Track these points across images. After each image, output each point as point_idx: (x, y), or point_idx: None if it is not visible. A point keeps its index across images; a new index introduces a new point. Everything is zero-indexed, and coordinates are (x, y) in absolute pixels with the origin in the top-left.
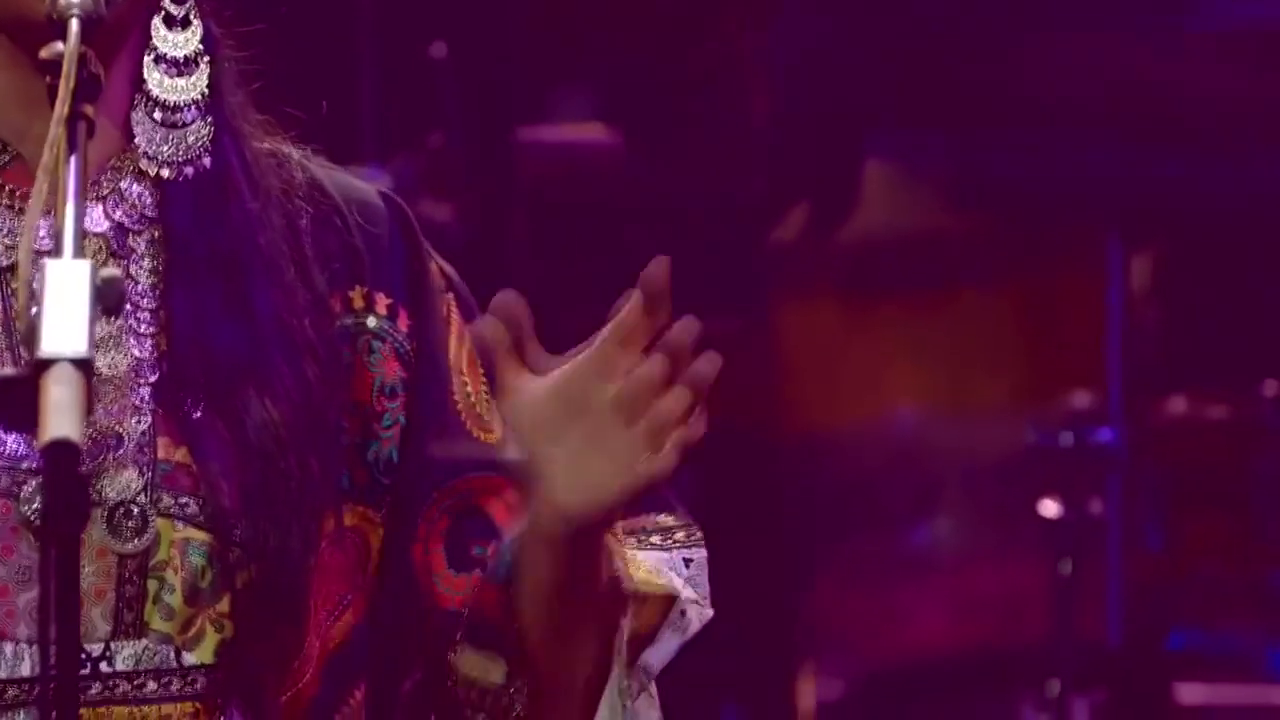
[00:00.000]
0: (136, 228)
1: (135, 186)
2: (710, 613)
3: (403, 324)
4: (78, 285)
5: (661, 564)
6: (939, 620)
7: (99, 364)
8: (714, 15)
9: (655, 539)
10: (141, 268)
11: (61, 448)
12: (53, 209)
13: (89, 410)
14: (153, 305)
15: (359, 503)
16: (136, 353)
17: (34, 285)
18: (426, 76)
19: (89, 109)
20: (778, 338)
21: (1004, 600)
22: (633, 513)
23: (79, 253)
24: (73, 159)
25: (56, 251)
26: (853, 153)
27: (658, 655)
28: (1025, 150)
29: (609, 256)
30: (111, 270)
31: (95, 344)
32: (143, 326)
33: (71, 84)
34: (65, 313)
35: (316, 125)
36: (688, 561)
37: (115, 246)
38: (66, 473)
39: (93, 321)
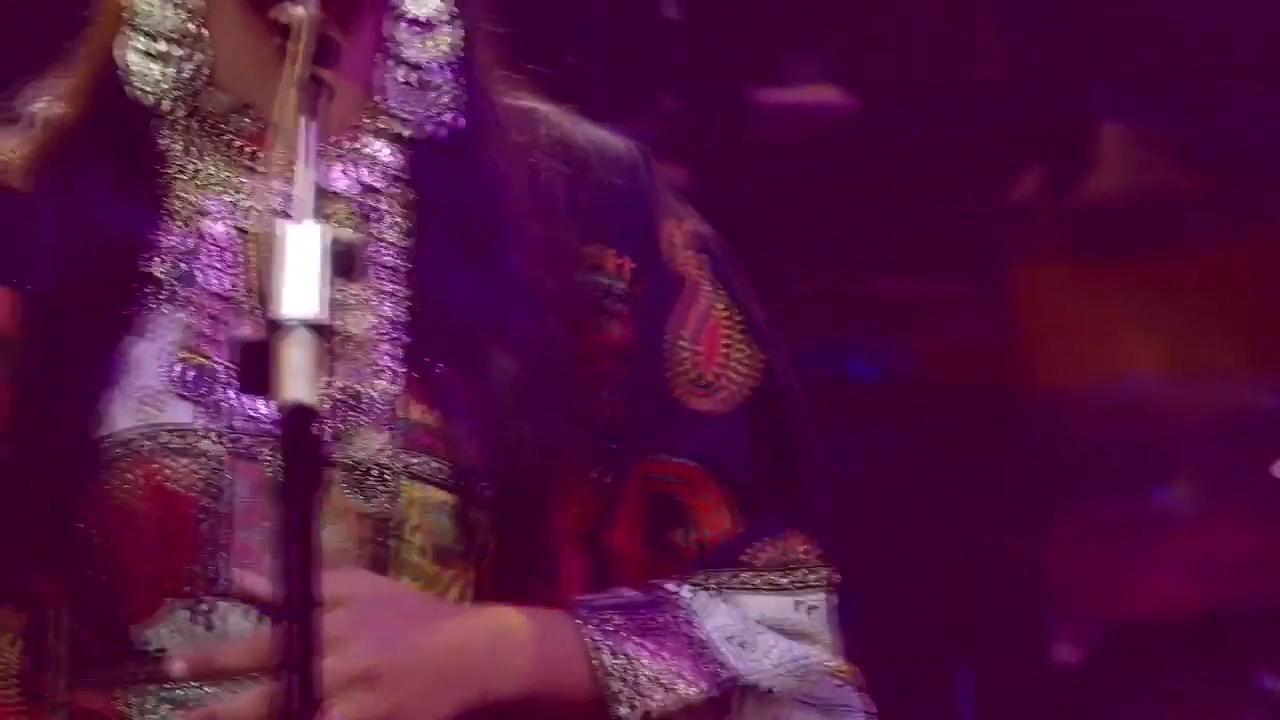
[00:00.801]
0: (384, 188)
1: (383, 147)
2: (833, 664)
3: (638, 283)
4: (313, 249)
5: (772, 610)
6: (1176, 584)
7: (347, 325)
8: None
9: (774, 577)
10: (390, 228)
11: (297, 411)
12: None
13: (327, 372)
14: (402, 265)
15: (592, 463)
16: (385, 313)
17: (271, 249)
18: (659, 37)
19: (325, 72)
20: (1010, 300)
21: (1242, 564)
22: (760, 533)
23: (315, 217)
24: (308, 123)
25: (292, 215)
26: (1084, 112)
27: None
28: (1259, 108)
29: (841, 221)
30: (347, 233)
31: (342, 305)
32: (390, 286)
33: (306, 47)
34: (301, 277)
35: (555, 83)
36: (810, 609)
37: (362, 208)
38: (302, 435)
39: (327, 285)
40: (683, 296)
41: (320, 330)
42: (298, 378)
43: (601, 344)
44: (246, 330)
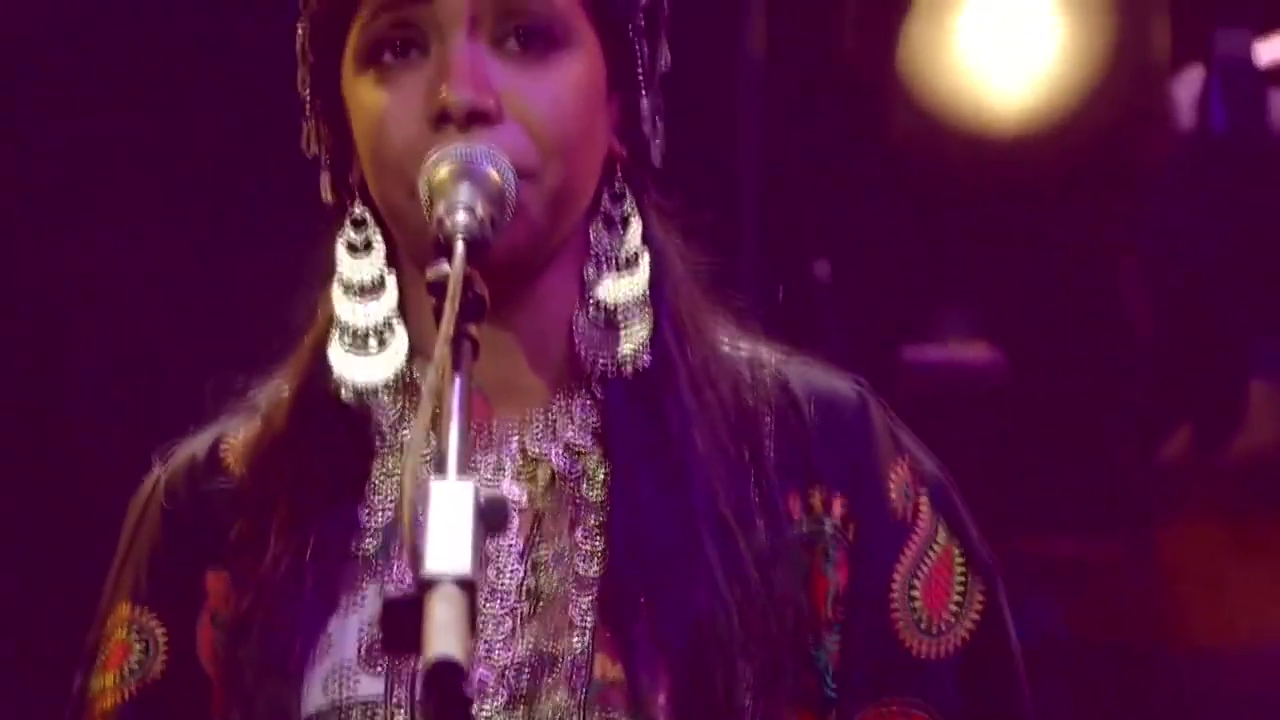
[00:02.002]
0: (587, 448)
1: (586, 406)
2: None
3: (855, 528)
4: (461, 505)
5: None
6: None
7: (540, 583)
8: (1094, 232)
9: None
10: (588, 485)
11: (445, 667)
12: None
13: (472, 629)
14: (599, 520)
15: (807, 709)
16: (580, 569)
17: (418, 505)
18: (809, 295)
19: (473, 329)
20: (1163, 557)
21: None
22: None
23: (462, 472)
24: (456, 379)
25: (440, 471)
26: (1238, 368)
27: None
28: None
29: (992, 479)
30: (495, 491)
31: (537, 565)
32: (589, 544)
33: (455, 305)
34: (448, 532)
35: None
36: None
37: (564, 470)
38: (450, 692)
39: (476, 541)
40: (910, 541)
41: (466, 586)
42: (445, 634)
43: (816, 590)
44: (392, 590)
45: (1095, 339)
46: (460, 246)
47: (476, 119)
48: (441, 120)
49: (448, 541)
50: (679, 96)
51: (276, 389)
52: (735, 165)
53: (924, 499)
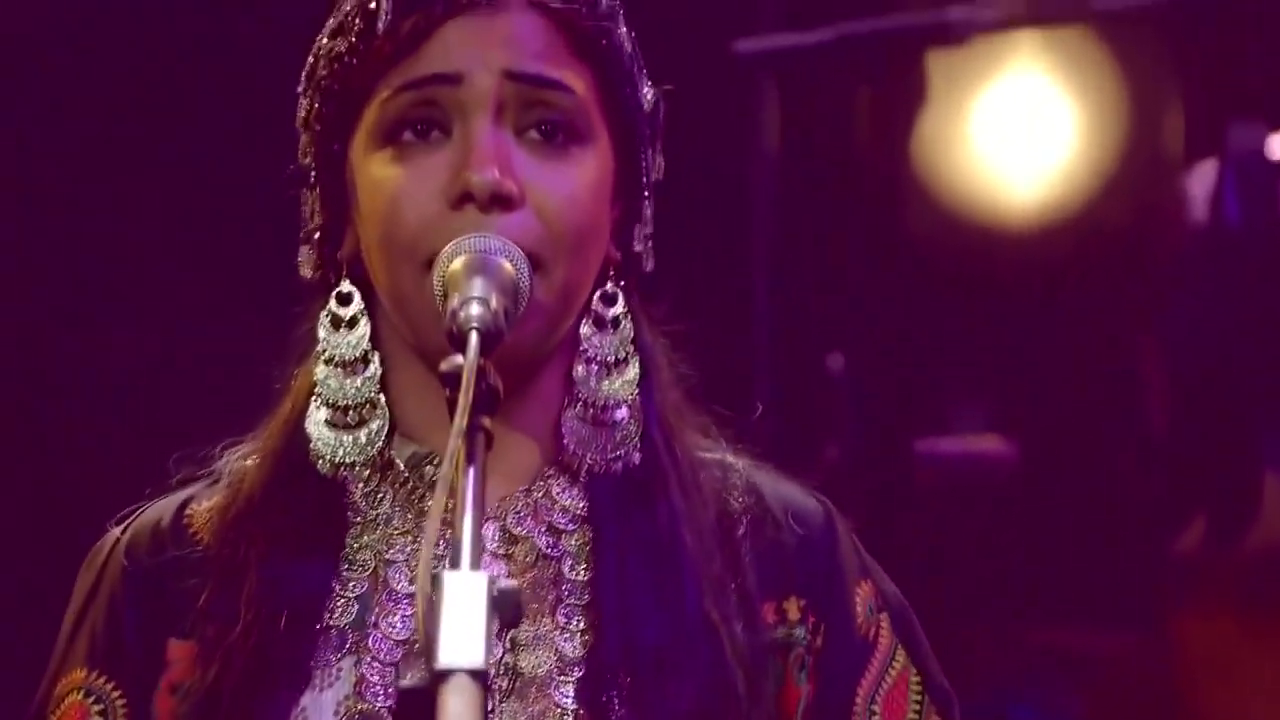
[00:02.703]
0: (569, 529)
1: (568, 490)
2: None
3: (824, 640)
4: (475, 597)
5: None
6: None
7: (521, 664)
8: (1108, 325)
9: None
10: (571, 567)
11: None
12: (452, 520)
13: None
14: (582, 603)
15: None
16: (564, 650)
17: (432, 596)
18: (823, 388)
19: (487, 421)
20: (1178, 649)
21: None
22: None
23: (477, 564)
24: (470, 470)
25: (454, 563)
26: (1252, 461)
27: None
28: None
29: (1005, 570)
30: (508, 582)
31: (519, 645)
32: (572, 624)
33: (469, 397)
34: (462, 624)
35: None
36: None
37: (547, 549)
38: None
39: (489, 633)
40: (872, 660)
41: (480, 678)
42: None
43: (788, 698)
44: (409, 678)
45: (1109, 431)
46: (474, 338)
47: (498, 202)
48: (462, 201)
49: (462, 633)
50: (694, 190)
51: (243, 457)
52: (749, 258)
53: (884, 619)
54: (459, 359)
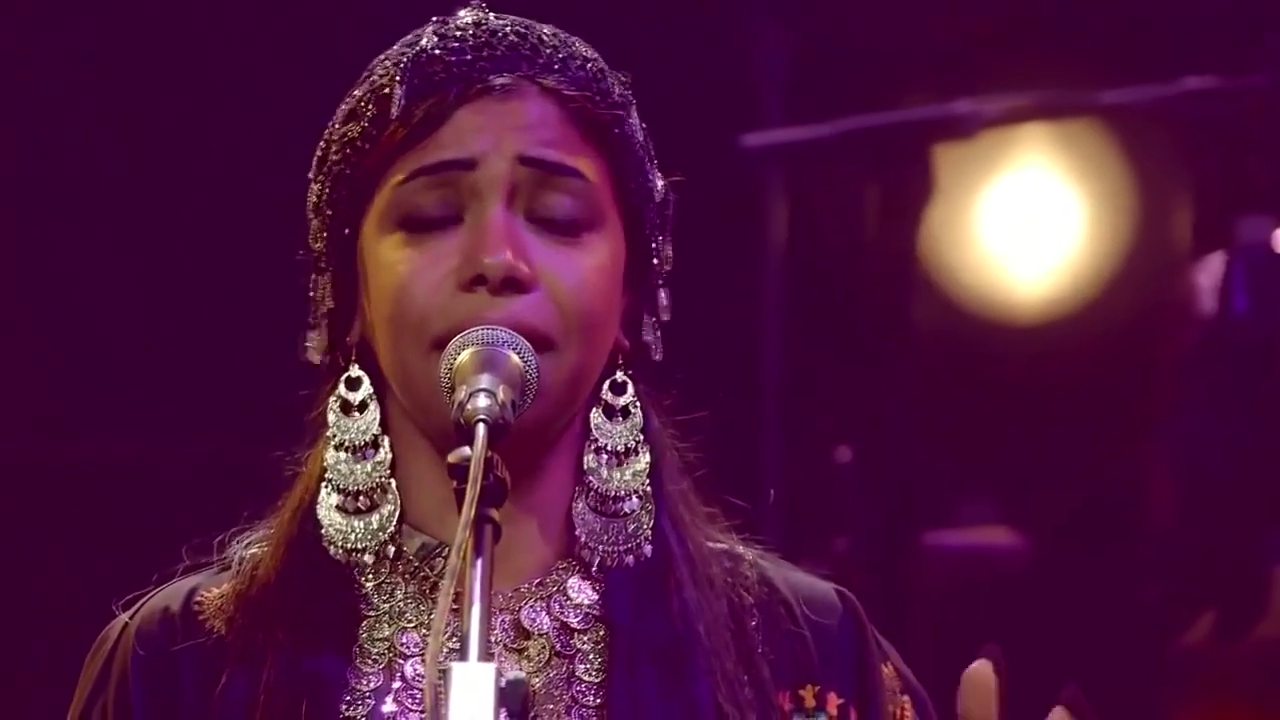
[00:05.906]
0: (582, 626)
1: (581, 585)
2: None
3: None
4: (483, 688)
5: None
6: None
7: None
8: (1115, 418)
9: None
10: (585, 665)
11: None
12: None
13: None
14: (596, 702)
15: None
16: None
17: (440, 687)
18: (832, 480)
19: (494, 513)
20: None
21: None
22: None
23: (483, 656)
24: (479, 563)
25: (462, 655)
26: (1259, 555)
27: None
28: None
29: (1015, 663)
30: (516, 673)
31: None
32: None
33: (477, 489)
34: (470, 715)
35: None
36: None
37: (560, 646)
38: None
39: None
40: None
41: None
42: None
43: None
44: None
45: (1116, 524)
46: (481, 430)
47: (511, 285)
48: (475, 283)
49: None
50: (704, 282)
51: (253, 545)
52: (758, 351)
53: (908, 702)
54: (467, 451)
